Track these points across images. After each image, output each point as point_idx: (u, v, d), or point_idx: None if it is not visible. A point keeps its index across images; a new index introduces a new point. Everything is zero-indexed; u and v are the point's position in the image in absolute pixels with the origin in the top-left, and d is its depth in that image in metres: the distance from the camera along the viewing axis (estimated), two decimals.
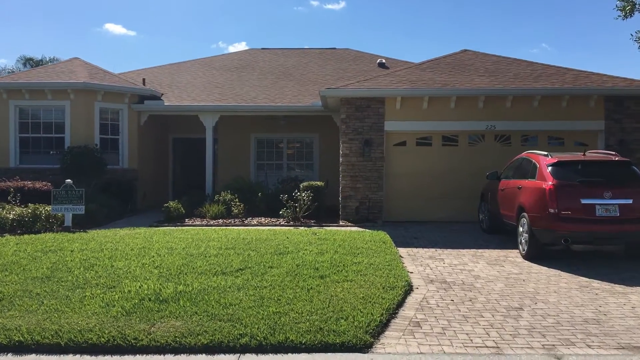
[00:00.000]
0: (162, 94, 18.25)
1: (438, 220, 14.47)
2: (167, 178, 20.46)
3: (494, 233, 12.46)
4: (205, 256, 9.08)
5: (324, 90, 14.27)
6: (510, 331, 6.04)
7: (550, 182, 9.32)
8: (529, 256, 9.67)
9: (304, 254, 9.41)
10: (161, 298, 6.64)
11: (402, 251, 10.48)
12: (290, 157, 19.57)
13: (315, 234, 11.64)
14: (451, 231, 13.01)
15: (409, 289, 7.63)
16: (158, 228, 12.86)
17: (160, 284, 7.27)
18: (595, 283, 8.15)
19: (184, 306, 6.37)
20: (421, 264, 9.47)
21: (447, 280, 8.29)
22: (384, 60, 20.92)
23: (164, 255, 9.11)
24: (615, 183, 9.14)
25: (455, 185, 14.53)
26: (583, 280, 8.33)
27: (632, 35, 10.26)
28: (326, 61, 22.20)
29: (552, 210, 9.12)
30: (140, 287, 7.15)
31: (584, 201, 9.01)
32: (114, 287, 7.24)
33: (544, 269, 9.10)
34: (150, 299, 6.59)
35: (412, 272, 8.74)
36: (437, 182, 14.58)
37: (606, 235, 8.94)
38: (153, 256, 9.06)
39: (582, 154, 10.21)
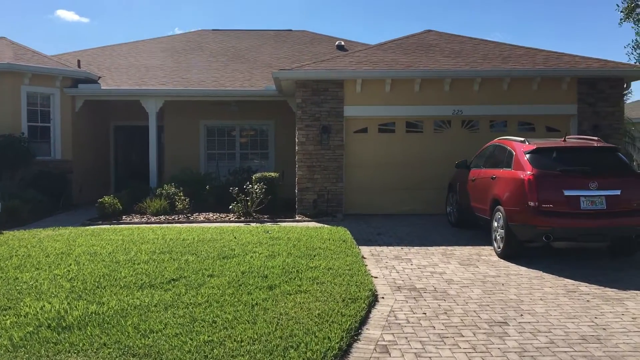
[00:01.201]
0: (100, 77, 16.57)
1: (403, 212, 13.39)
2: (108, 170, 18.79)
3: (463, 227, 11.44)
4: (134, 263, 7.69)
5: (277, 72, 12.94)
6: (498, 356, 4.93)
7: (529, 172, 8.28)
8: (505, 254, 8.65)
9: (252, 257, 8.13)
10: (64, 323, 5.26)
11: (365, 250, 9.32)
12: (244, 146, 18.18)
13: (268, 231, 10.37)
14: (417, 225, 11.94)
15: (373, 300, 6.46)
16: (88, 228, 11.33)
17: (68, 303, 5.88)
18: (584, 287, 7.15)
19: (91, 335, 5.01)
20: (386, 266, 8.32)
21: (417, 287, 7.15)
22: (342, 43, 19.68)
23: (84, 263, 7.68)
24: (601, 172, 8.17)
25: (421, 175, 13.47)
26: (569, 283, 7.32)
27: (617, 5, 9.38)
28: (281, 43, 20.81)
29: (531, 204, 8.09)
30: (42, 307, 5.75)
31: (567, 193, 8.01)
32: (8, 308, 5.82)
33: (522, 269, 8.07)
34: (50, 326, 5.21)
35: (376, 277, 7.58)
36: (401, 171, 13.49)
37: (592, 231, 7.96)
38: (70, 264, 7.62)
39: (562, 139, 9.23)
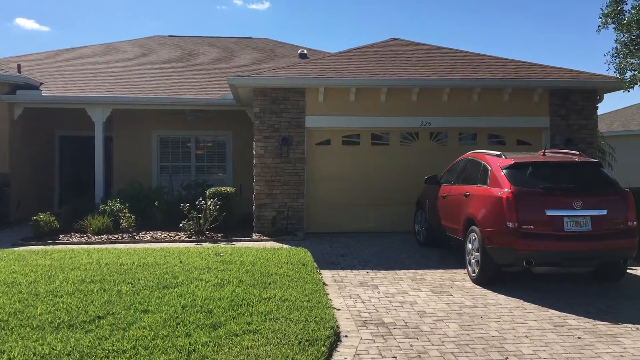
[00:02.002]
0: (42, 83, 15.27)
1: (368, 230, 12.52)
2: (52, 183, 17.37)
3: (433, 246, 10.63)
4: (55, 296, 6.56)
5: (233, 79, 11.96)
6: None
7: (507, 189, 7.50)
8: (481, 280, 7.83)
9: (197, 286, 7.09)
10: None
11: (327, 275, 8.38)
12: (200, 159, 17.06)
13: (219, 254, 9.32)
14: (383, 245, 11.07)
15: (335, 340, 5.52)
16: (17, 249, 10.07)
17: None
18: (571, 319, 6.36)
19: None
20: (350, 294, 7.40)
21: (386, 322, 6.24)
22: (305, 51, 18.83)
23: None
24: (585, 190, 7.44)
25: (387, 190, 12.64)
26: (554, 315, 6.53)
27: (601, 9, 8.78)
28: (241, 51, 19.85)
29: (510, 225, 7.30)
30: None
31: (549, 212, 7.25)
32: None
33: (501, 297, 7.26)
34: None
35: (339, 309, 6.65)
36: (366, 186, 12.64)
37: (577, 255, 7.21)
38: None
39: (541, 153, 8.52)
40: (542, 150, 8.62)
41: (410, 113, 12.46)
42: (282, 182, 12.20)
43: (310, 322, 5.85)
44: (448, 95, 12.38)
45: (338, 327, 5.93)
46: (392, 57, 13.80)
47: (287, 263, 8.66)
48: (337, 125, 12.44)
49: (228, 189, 12.72)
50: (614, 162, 16.31)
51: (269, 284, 7.35)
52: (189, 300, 6.47)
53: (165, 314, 5.96)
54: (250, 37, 21.72)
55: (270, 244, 10.94)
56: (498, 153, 8.41)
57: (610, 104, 78.93)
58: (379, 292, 7.49)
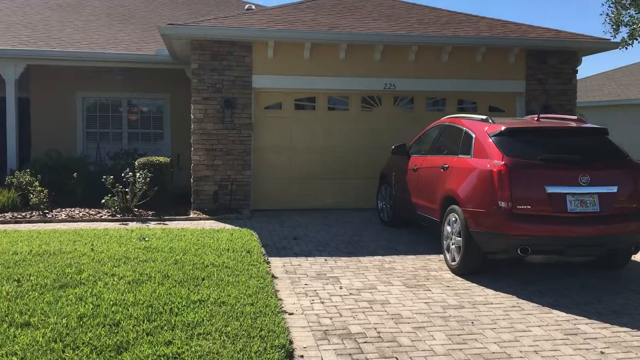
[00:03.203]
0: None
1: (324, 207, 11.04)
2: None
3: (400, 226, 9.26)
4: None
5: (166, 28, 10.07)
6: None
7: (497, 161, 6.11)
8: (463, 270, 6.49)
9: (105, 285, 5.43)
10: None
11: (277, 265, 6.86)
12: (134, 125, 15.04)
13: (144, 238, 7.63)
14: (343, 224, 9.61)
15: None
16: None
17: None
18: (584, 324, 5.06)
19: None
20: (306, 290, 5.91)
21: (353, 332, 4.78)
22: (253, 7, 16.91)
23: None
24: (592, 162, 6.14)
25: (346, 162, 11.16)
26: (561, 318, 5.22)
27: (603, 4, 7.57)
28: (182, 5, 17.74)
29: (502, 204, 5.93)
30: None
31: (550, 189, 5.91)
32: None
33: (489, 293, 5.93)
34: None
35: (292, 314, 5.15)
36: (322, 157, 11.11)
37: (583, 242, 5.93)
38: None
39: (534, 118, 7.17)
40: (536, 115, 7.26)
41: (372, 74, 10.92)
42: (225, 151, 10.52)
43: (253, 337, 4.33)
44: (415, 55, 10.89)
45: (291, 342, 4.44)
46: (353, 10, 12.16)
47: (229, 250, 7.07)
48: (290, 86, 10.79)
49: (161, 158, 10.94)
50: None
51: (203, 279, 5.76)
52: (91, 306, 4.82)
53: (51, 329, 4.31)
54: None
55: (210, 224, 9.31)
56: (484, 117, 7.00)
57: (588, 68, 75.28)
58: (341, 288, 6.03)
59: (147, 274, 5.84)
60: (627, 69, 23.00)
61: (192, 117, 10.57)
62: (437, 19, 11.91)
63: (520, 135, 6.41)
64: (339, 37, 10.43)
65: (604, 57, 75.24)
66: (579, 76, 11.51)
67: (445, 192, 6.94)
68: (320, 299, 5.65)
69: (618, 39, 8.98)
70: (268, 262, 6.86)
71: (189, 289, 5.42)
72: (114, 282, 5.52)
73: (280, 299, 5.51)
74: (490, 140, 6.43)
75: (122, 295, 5.15)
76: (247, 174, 10.63)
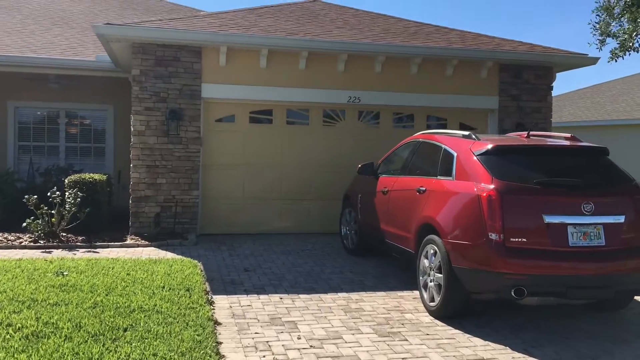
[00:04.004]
0: None
1: (281, 231, 9.94)
2: None
3: (366, 255, 8.24)
4: None
5: (101, 27, 8.84)
6: None
7: (487, 185, 5.15)
8: (444, 313, 5.48)
9: None
10: None
11: (222, 305, 5.72)
12: (72, 138, 13.62)
13: (62, 272, 6.34)
14: (302, 252, 8.52)
15: None
16: None
17: None
18: None
19: None
20: (256, 343, 4.77)
21: None
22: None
23: None
24: (595, 187, 5.26)
25: (305, 181, 10.11)
26: None
27: (593, 11, 6.87)
28: (131, 10, 16.48)
29: (493, 236, 4.96)
30: None
31: (548, 219, 4.98)
32: None
33: (477, 342, 4.93)
34: None
35: None
36: (278, 176, 10.03)
37: (588, 281, 4.99)
38: None
39: (524, 135, 6.29)
40: (525, 132, 6.38)
41: (335, 85, 9.95)
42: (169, 168, 9.32)
43: None
44: (382, 65, 9.99)
45: None
46: (314, 18, 11.22)
47: (164, 287, 5.88)
48: (244, 97, 9.70)
49: (97, 176, 9.64)
50: None
51: (125, 330, 4.57)
52: None
53: None
54: None
55: (149, 252, 8.07)
56: (466, 133, 6.07)
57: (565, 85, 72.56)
58: (299, 337, 4.92)
59: (53, 323, 4.61)
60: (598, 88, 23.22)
61: (132, 129, 9.35)
62: (404, 30, 11.07)
63: (511, 154, 5.48)
64: (299, 44, 9.43)
65: (592, 71, 71.89)
66: (561, 91, 10.81)
67: (421, 219, 5.95)
68: (273, 354, 4.53)
69: (606, 51, 8.34)
70: (212, 303, 5.71)
71: (104, 345, 4.22)
72: (6, 337, 4.27)
73: (223, 356, 4.36)
74: (476, 159, 5.49)
75: (12, 357, 3.91)
76: (194, 194, 9.44)
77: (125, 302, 5.25)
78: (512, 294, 4.91)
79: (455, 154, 5.81)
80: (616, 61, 8.25)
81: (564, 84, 67.44)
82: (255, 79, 9.65)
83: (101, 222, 9.37)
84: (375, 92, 10.12)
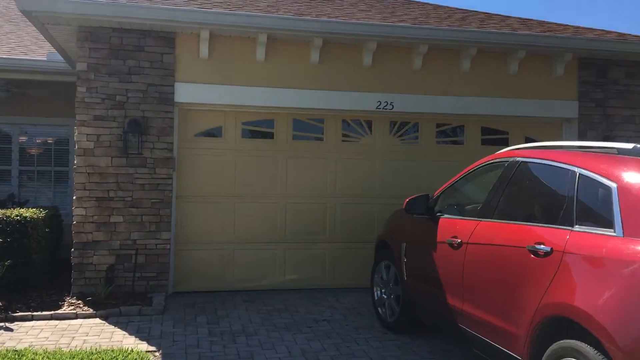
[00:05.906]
0: None
1: (284, 286, 7.20)
2: None
3: (413, 331, 5.45)
4: None
5: (25, 1, 6.20)
6: None
7: None
8: None
9: None
10: None
11: None
12: (28, 161, 10.97)
13: None
14: (316, 327, 5.73)
15: None
16: None
17: None
18: None
19: None
20: None
21: None
22: None
23: None
24: None
25: (318, 217, 7.39)
26: None
27: None
28: None
29: None
30: None
31: None
32: None
33: None
34: None
35: None
36: (282, 210, 7.31)
37: None
38: None
39: None
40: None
41: (359, 86, 7.26)
42: (128, 201, 6.61)
43: None
44: (423, 59, 7.32)
45: None
46: (329, 0, 8.61)
47: None
48: (235, 101, 6.99)
49: (30, 212, 6.91)
50: None
51: None
52: None
53: None
54: None
55: (88, 330, 5.32)
56: (626, 146, 3.34)
57: None
58: None
59: None
60: None
61: (76, 145, 6.69)
62: (449, 15, 8.44)
63: None
64: (310, 27, 6.75)
65: None
66: None
67: (547, 307, 3.20)
68: None
69: None
70: None
71: None
72: None
73: None
74: None
75: None
76: (164, 238, 6.71)
77: None
78: None
79: (614, 186, 3.08)
80: None
81: None
82: (249, 77, 6.96)
83: (31, 278, 6.64)
84: (414, 96, 7.42)
